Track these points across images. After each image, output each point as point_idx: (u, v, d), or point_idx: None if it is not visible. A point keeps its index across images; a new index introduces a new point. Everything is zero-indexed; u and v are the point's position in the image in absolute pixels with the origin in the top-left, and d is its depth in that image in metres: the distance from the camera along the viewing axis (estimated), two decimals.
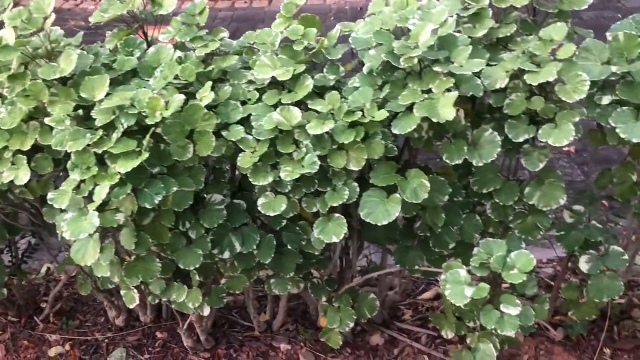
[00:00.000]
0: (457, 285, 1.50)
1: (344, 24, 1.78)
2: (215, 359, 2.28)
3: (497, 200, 1.69)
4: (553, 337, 2.26)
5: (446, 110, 1.39)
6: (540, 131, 1.52)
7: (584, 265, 1.84)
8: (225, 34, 1.73)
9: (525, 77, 1.49)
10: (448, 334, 1.96)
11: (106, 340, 2.37)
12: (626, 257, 1.83)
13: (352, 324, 2.00)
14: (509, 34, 1.64)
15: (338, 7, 5.42)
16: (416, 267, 1.79)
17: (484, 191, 1.70)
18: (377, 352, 2.29)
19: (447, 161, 1.55)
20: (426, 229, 1.70)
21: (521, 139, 1.57)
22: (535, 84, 1.47)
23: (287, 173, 1.48)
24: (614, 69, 1.56)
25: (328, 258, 1.89)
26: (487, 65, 1.64)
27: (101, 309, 2.48)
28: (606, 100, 1.58)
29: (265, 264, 1.70)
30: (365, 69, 1.56)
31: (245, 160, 1.50)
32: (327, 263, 1.89)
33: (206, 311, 1.85)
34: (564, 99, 1.48)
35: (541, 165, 1.59)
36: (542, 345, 2.26)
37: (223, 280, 1.83)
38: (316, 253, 1.70)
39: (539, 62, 1.54)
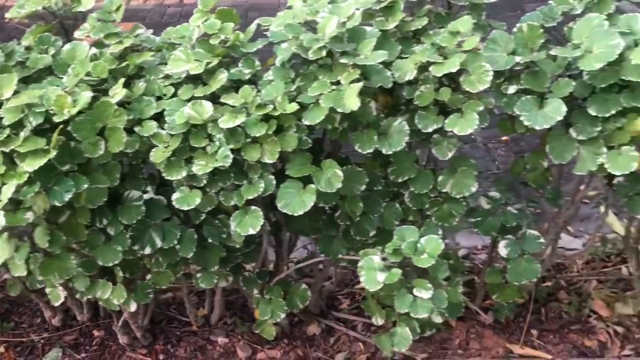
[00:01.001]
0: (371, 272, 1.55)
1: (264, 18, 1.79)
2: (152, 355, 2.29)
3: (413, 189, 1.74)
4: (484, 321, 2.32)
5: (351, 101, 1.43)
6: (447, 121, 1.57)
7: (502, 250, 1.90)
8: (142, 30, 1.73)
9: (430, 68, 1.54)
10: (378, 320, 2.01)
11: (42, 341, 2.35)
12: (542, 240, 1.90)
13: (283, 315, 2.03)
14: (420, 27, 1.69)
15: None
16: (340, 256, 1.83)
17: (400, 180, 1.75)
18: (313, 341, 2.33)
19: (360, 150, 1.59)
20: (346, 218, 1.74)
21: (430, 129, 1.61)
22: (439, 75, 1.52)
23: (200, 167, 1.50)
24: (517, 59, 1.62)
25: (256, 251, 1.91)
26: (400, 57, 1.69)
27: (37, 310, 2.46)
28: (512, 89, 1.64)
29: (188, 258, 1.72)
30: (277, 62, 1.59)
31: (157, 155, 1.51)
32: (255, 256, 1.91)
33: (133, 307, 1.86)
34: (468, 89, 1.54)
35: (450, 154, 1.64)
36: (473, 329, 2.33)
37: (149, 276, 1.83)
38: (237, 246, 1.72)
39: (447, 54, 1.59)
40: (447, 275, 1.63)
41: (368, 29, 1.63)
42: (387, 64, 1.63)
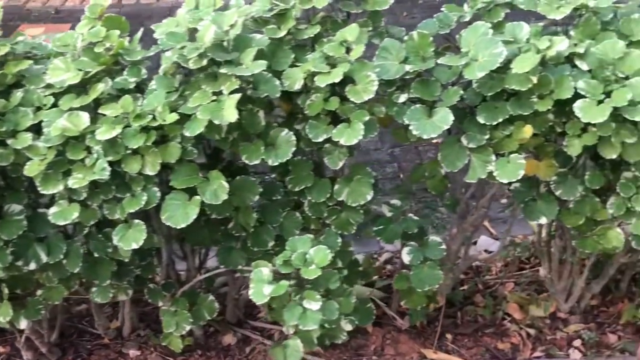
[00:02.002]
0: (259, 284, 1.52)
1: (157, 25, 1.75)
2: None
3: (310, 198, 1.72)
4: (400, 326, 2.33)
5: (229, 112, 1.40)
6: (334, 131, 1.55)
7: (405, 256, 1.90)
8: (22, 37, 1.67)
9: (315, 79, 1.52)
10: (290, 329, 1.99)
11: None
12: (444, 246, 1.90)
13: (188, 327, 1.99)
14: (313, 35, 1.67)
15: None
16: (239, 267, 1.80)
17: (297, 189, 1.73)
18: (228, 352, 2.30)
19: (247, 162, 1.56)
20: (241, 229, 1.71)
21: (320, 139, 1.60)
22: (322, 85, 1.51)
23: (77, 180, 1.45)
24: (407, 67, 1.61)
25: (150, 264, 1.87)
26: (295, 65, 1.67)
27: None
28: (403, 98, 1.63)
29: (78, 273, 1.67)
30: (160, 71, 1.55)
31: (32, 169, 1.46)
32: (152, 268, 1.87)
33: (23, 324, 1.79)
34: (353, 99, 1.53)
35: (341, 164, 1.63)
36: (389, 334, 2.33)
37: (39, 292, 1.77)
38: (127, 260, 1.67)
39: (335, 63, 1.58)
40: (337, 285, 1.61)
41: (258, 36, 1.61)
42: (278, 73, 1.61)
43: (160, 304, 2.00)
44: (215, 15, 1.51)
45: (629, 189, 1.70)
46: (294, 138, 1.56)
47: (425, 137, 1.57)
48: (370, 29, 1.74)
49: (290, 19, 1.66)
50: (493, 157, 1.62)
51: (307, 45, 1.74)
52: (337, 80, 1.49)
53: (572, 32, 1.66)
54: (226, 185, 1.51)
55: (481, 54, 1.53)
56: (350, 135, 1.52)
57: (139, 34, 1.64)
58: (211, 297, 2.02)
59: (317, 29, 1.67)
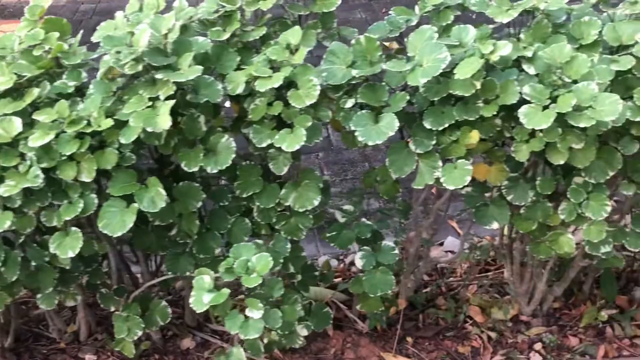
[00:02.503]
0: (200, 292, 1.49)
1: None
2: None
3: (259, 203, 1.69)
4: (361, 329, 2.31)
5: (162, 119, 1.37)
6: (276, 137, 1.52)
7: (358, 261, 1.88)
8: None
9: (255, 83, 1.49)
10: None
11: None
12: (397, 252, 1.88)
13: (140, 333, 1.96)
14: (258, 37, 1.63)
15: None
16: (187, 273, 1.77)
17: (245, 195, 1.70)
18: (187, 355, 2.27)
19: (186, 169, 1.53)
20: (185, 235, 1.68)
21: (264, 144, 1.56)
22: (262, 90, 1.47)
23: (9, 188, 1.42)
24: (354, 72, 1.58)
25: (97, 270, 1.84)
26: (239, 69, 1.63)
27: None
28: (350, 103, 1.60)
29: (19, 281, 1.63)
30: (98, 75, 1.51)
31: None
32: (100, 274, 1.84)
33: None
34: (294, 104, 1.49)
35: (285, 169, 1.60)
36: (350, 337, 2.31)
37: None
38: (67, 267, 1.64)
39: (279, 67, 1.54)
40: (281, 293, 1.59)
41: (201, 39, 1.57)
42: (222, 76, 1.58)
43: (112, 309, 1.97)
44: (153, 18, 1.48)
45: (580, 195, 1.68)
46: (234, 144, 1.53)
47: (370, 143, 1.53)
48: (319, 30, 1.71)
49: (235, 21, 1.62)
50: (440, 163, 1.59)
51: (255, 48, 1.71)
52: (276, 85, 1.46)
53: (521, 35, 1.63)
54: (163, 192, 1.48)
55: (426, 58, 1.50)
56: (292, 141, 1.49)
57: (78, 36, 1.60)
58: (164, 303, 1.99)
59: (262, 31, 1.63)
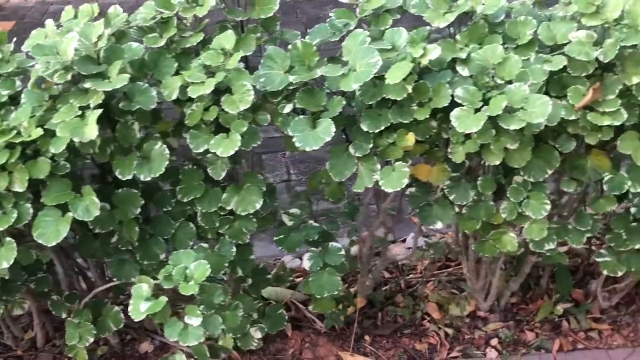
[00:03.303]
0: (138, 300, 1.49)
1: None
2: None
3: (201, 207, 1.69)
4: (319, 329, 2.32)
5: (89, 129, 1.36)
6: (212, 142, 1.52)
7: (306, 262, 1.89)
8: None
9: (188, 89, 1.48)
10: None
11: None
12: (343, 252, 1.88)
13: (92, 339, 1.96)
14: (195, 43, 1.62)
15: None
16: (132, 279, 1.77)
17: (186, 199, 1.69)
18: (146, 359, 2.28)
19: (120, 176, 1.53)
20: (126, 242, 1.68)
21: (201, 149, 1.56)
22: (195, 95, 1.47)
23: None
24: (291, 78, 1.57)
25: (43, 278, 1.83)
26: (177, 74, 1.63)
27: None
28: (288, 108, 1.59)
29: None
30: (29, 84, 1.50)
31: None
32: (46, 282, 1.83)
33: None
34: (227, 109, 1.49)
35: (223, 174, 1.60)
36: (308, 337, 2.32)
37: None
38: (6, 277, 1.64)
39: (214, 72, 1.54)
40: (222, 299, 1.59)
41: (135, 45, 1.56)
42: (159, 82, 1.57)
43: (64, 315, 1.97)
44: (83, 26, 1.47)
45: (519, 194, 1.69)
46: (167, 151, 1.53)
47: (307, 149, 1.53)
48: (259, 34, 1.71)
49: (171, 27, 1.61)
50: (378, 166, 1.59)
51: (196, 53, 1.70)
52: (208, 91, 1.45)
53: (457, 36, 1.63)
54: (97, 201, 1.48)
55: (359, 63, 1.49)
56: (228, 146, 1.49)
57: (11, 45, 1.58)
58: (117, 308, 1.98)
59: (200, 37, 1.62)
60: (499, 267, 2.16)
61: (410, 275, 2.54)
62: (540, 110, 1.44)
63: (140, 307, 1.46)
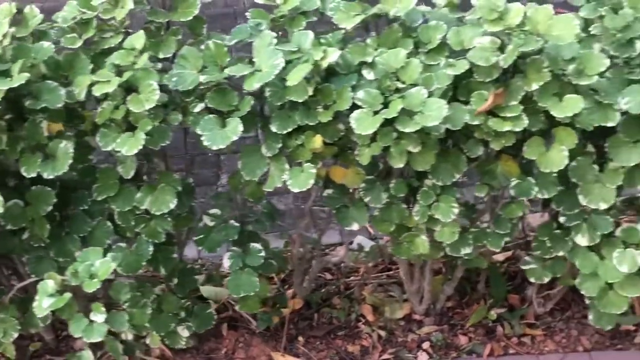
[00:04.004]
0: (42, 296, 1.51)
1: None
2: None
3: (114, 206, 1.72)
4: (254, 329, 2.33)
5: None
6: (118, 140, 1.54)
7: (226, 262, 1.90)
8: None
9: (93, 88, 1.51)
10: (128, 335, 1.98)
11: None
12: (263, 254, 1.90)
13: (16, 335, 1.97)
14: (114, 45, 1.65)
15: None
16: None
17: (100, 198, 1.72)
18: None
19: (25, 174, 1.55)
20: (38, 239, 1.70)
21: (110, 148, 1.58)
22: (98, 94, 1.49)
23: None
24: (202, 78, 1.59)
25: None
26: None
27: None
28: (199, 107, 1.62)
29: None
30: None
31: None
32: None
33: None
34: (133, 108, 1.51)
35: (132, 172, 1.62)
36: (242, 337, 2.33)
37: None
38: None
39: (125, 71, 1.56)
40: (128, 297, 1.61)
41: (46, 44, 1.59)
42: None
43: None
44: None
45: (429, 197, 1.70)
46: (72, 150, 1.55)
47: (214, 148, 1.56)
48: (180, 37, 1.73)
49: (91, 28, 1.64)
50: (287, 166, 1.61)
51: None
52: (111, 89, 1.48)
53: (368, 40, 1.65)
54: (1, 198, 1.49)
55: (264, 64, 1.52)
56: (132, 145, 1.51)
57: None
58: None
59: (119, 38, 1.65)
60: (428, 270, 2.18)
61: (352, 278, 2.56)
62: (436, 114, 1.46)
63: (43, 303, 1.48)
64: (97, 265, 1.53)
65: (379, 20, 1.75)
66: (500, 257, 2.48)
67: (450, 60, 1.59)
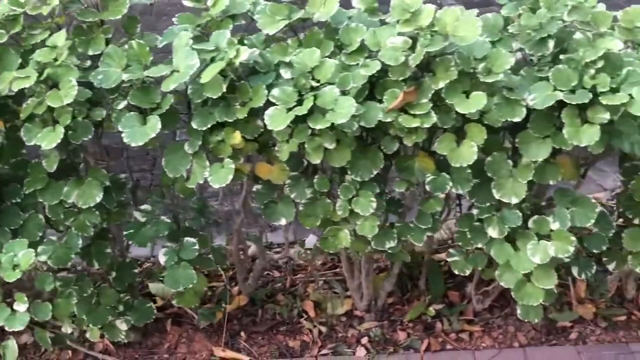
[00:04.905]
0: None
1: None
2: None
3: (43, 200, 1.76)
4: (198, 325, 2.37)
5: None
6: (39, 135, 1.59)
7: (162, 257, 1.94)
8: None
9: (13, 84, 1.56)
10: (68, 329, 2.03)
11: None
12: (197, 247, 1.94)
13: None
14: (39, 41, 1.70)
15: None
16: None
17: (28, 192, 1.76)
18: (23, 350, 2.28)
19: None
20: None
21: (33, 142, 1.63)
22: (15, 89, 1.54)
23: None
24: (124, 76, 1.64)
25: None
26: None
27: None
28: (122, 104, 1.67)
29: None
30: None
31: None
32: None
33: None
34: (51, 104, 1.56)
35: (54, 166, 1.67)
36: (186, 333, 2.37)
37: None
38: None
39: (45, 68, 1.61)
40: (52, 287, 1.65)
41: None
42: None
43: None
44: None
45: (349, 192, 1.76)
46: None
47: (134, 144, 1.60)
48: (110, 35, 1.78)
49: (18, 24, 1.69)
50: (207, 163, 1.66)
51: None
52: (28, 85, 1.53)
53: (289, 41, 1.71)
54: None
55: (181, 64, 1.57)
56: (52, 139, 1.56)
57: None
58: None
59: (45, 34, 1.70)
60: (364, 266, 2.23)
61: (299, 275, 2.61)
62: (346, 112, 1.51)
63: None
64: (19, 256, 1.58)
65: (306, 23, 1.81)
66: (443, 255, 2.54)
67: (367, 60, 1.64)
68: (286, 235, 2.25)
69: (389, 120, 1.61)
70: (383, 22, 1.76)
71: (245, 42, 1.73)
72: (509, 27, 1.75)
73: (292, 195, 1.80)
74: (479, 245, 1.92)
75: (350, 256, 2.26)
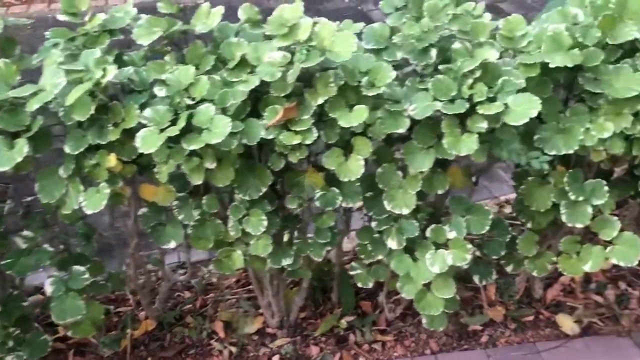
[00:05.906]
0: None
1: None
2: None
3: None
4: (102, 354, 2.26)
5: None
6: None
7: (48, 287, 1.84)
8: None
9: None
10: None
11: None
12: (87, 275, 1.85)
13: None
14: None
15: None
16: None
17: None
18: None
19: None
20: None
21: None
22: None
23: None
24: None
25: None
26: None
27: None
28: None
29: None
30: None
31: None
32: None
33: None
34: None
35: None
36: None
37: None
38: None
39: None
40: None
41: None
42: None
43: None
44: None
45: (239, 211, 1.71)
46: None
47: (1, 169, 1.50)
48: None
49: None
50: (82, 187, 1.58)
51: None
52: None
53: (167, 57, 1.64)
54: None
55: (48, 83, 1.48)
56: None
57: None
58: None
59: None
60: (273, 283, 2.18)
61: (211, 294, 2.53)
62: (221, 131, 1.46)
63: None
64: None
65: (188, 36, 1.75)
66: None
67: (248, 76, 1.60)
68: (188, 256, 2.18)
69: (271, 137, 1.56)
70: (268, 37, 1.72)
71: (125, 58, 1.65)
72: (393, 37, 1.74)
73: (180, 217, 1.74)
74: (380, 257, 1.91)
75: (257, 273, 2.21)
